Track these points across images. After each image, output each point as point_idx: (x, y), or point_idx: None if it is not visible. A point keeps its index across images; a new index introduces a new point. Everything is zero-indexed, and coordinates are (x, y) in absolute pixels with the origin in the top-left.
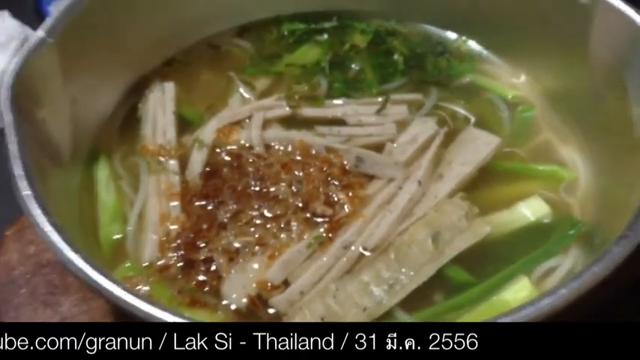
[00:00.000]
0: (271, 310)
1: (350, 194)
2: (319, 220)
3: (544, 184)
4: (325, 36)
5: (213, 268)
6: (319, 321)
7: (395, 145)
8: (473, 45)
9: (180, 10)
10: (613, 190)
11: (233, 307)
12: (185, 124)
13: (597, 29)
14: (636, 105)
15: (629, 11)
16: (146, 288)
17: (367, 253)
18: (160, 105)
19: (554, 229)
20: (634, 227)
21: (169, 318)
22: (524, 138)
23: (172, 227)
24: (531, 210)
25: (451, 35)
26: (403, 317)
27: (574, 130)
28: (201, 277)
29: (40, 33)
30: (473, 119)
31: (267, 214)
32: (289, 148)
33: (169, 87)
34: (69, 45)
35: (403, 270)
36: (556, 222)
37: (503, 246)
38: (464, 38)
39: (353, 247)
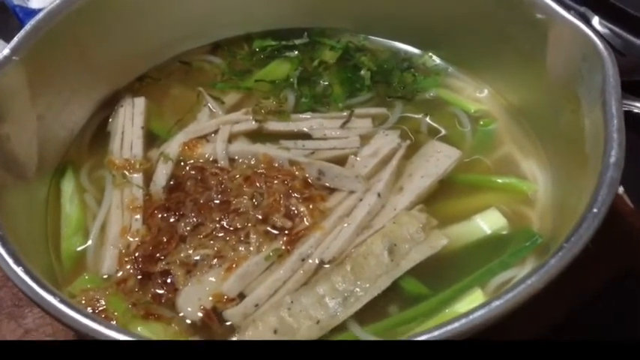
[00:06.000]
0: (226, 323)
1: (311, 207)
2: (279, 232)
3: (504, 197)
4: (295, 52)
5: (170, 280)
6: (272, 333)
7: (358, 158)
8: (438, 60)
9: (152, 30)
10: (567, 201)
11: (188, 320)
12: (153, 139)
13: (553, 44)
14: (588, 118)
15: (581, 26)
16: (102, 301)
17: (325, 266)
18: (129, 119)
19: (510, 242)
20: (570, 239)
21: (100, 327)
22: (486, 151)
23: (132, 240)
24: (488, 222)
25: (417, 51)
26: (356, 330)
27: (535, 144)
28: (158, 290)
29: (6, 51)
30: (442, 131)
31: (227, 226)
32: (253, 162)
33: (139, 102)
34: (36, 63)
35: (358, 282)
36: (513, 234)
37: (459, 258)
38: (430, 54)
39: (310, 260)
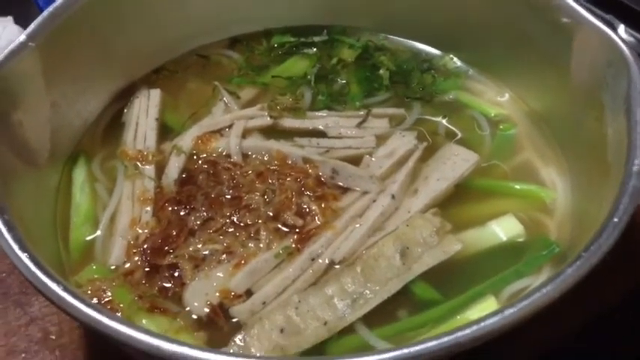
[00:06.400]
0: (233, 320)
1: (323, 205)
2: (290, 230)
3: (521, 204)
4: (314, 49)
5: (177, 274)
6: (279, 332)
7: (373, 158)
8: (459, 63)
9: (171, 22)
10: (587, 210)
11: (194, 315)
12: (167, 131)
13: (578, 49)
14: (611, 125)
15: (607, 31)
16: (108, 291)
17: (335, 266)
18: (144, 111)
19: (527, 250)
20: (589, 248)
21: (104, 318)
22: (505, 156)
23: (142, 232)
24: (504, 229)
25: (438, 52)
26: (364, 333)
27: (555, 151)
28: (165, 283)
29: (22, 37)
30: (459, 134)
31: (237, 222)
32: (266, 158)
33: (155, 94)
34: (52, 50)
35: (368, 284)
36: (529, 242)
37: (473, 264)
38: (451, 56)
39: (320, 260)
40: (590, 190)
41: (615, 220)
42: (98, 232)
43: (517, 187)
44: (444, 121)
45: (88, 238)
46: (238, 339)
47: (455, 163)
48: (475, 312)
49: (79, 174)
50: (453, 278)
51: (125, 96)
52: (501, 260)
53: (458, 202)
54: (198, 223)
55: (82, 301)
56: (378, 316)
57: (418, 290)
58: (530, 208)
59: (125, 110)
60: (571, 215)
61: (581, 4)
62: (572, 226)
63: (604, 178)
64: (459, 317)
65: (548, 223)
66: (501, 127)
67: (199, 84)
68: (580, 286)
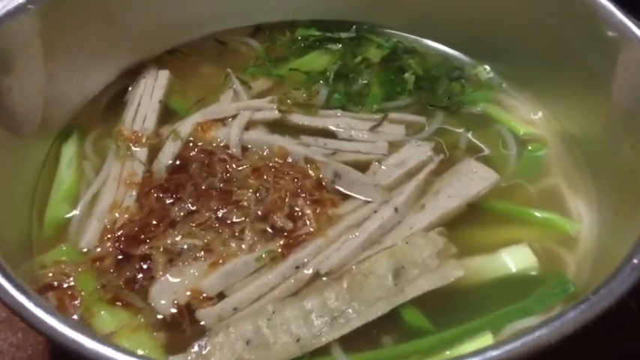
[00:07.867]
0: (200, 323)
1: (318, 210)
2: (277, 233)
3: (540, 233)
4: (339, 45)
5: (148, 266)
6: (244, 344)
7: (382, 166)
8: (493, 74)
9: (193, 4)
10: (611, 247)
11: (158, 315)
12: (171, 115)
13: (622, 66)
14: None
15: None
16: (72, 277)
17: (321, 278)
18: (149, 91)
19: (538, 285)
20: (599, 291)
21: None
22: (529, 179)
23: (120, 216)
24: (515, 259)
25: (471, 61)
26: (340, 357)
27: (585, 177)
28: (135, 275)
29: None
30: (485, 151)
31: (223, 218)
32: (267, 153)
33: (163, 75)
34: (54, 17)
35: (353, 303)
36: (543, 277)
37: (474, 295)
38: (485, 66)
39: (305, 269)
40: (616, 226)
41: (635, 261)
42: (76, 212)
43: (537, 214)
44: (467, 135)
45: (66, 216)
46: (198, 345)
47: (471, 180)
48: (468, 349)
49: (69, 149)
50: (450, 308)
51: (133, 74)
52: (508, 294)
53: (468, 224)
54: (182, 214)
55: (10, 279)
56: (359, 340)
57: (408, 316)
58: (549, 239)
59: (130, 89)
60: (594, 252)
61: (630, 19)
62: (593, 264)
63: (632, 213)
64: (448, 352)
65: (567, 258)
66: (530, 147)
67: (212, 70)
68: (583, 331)
